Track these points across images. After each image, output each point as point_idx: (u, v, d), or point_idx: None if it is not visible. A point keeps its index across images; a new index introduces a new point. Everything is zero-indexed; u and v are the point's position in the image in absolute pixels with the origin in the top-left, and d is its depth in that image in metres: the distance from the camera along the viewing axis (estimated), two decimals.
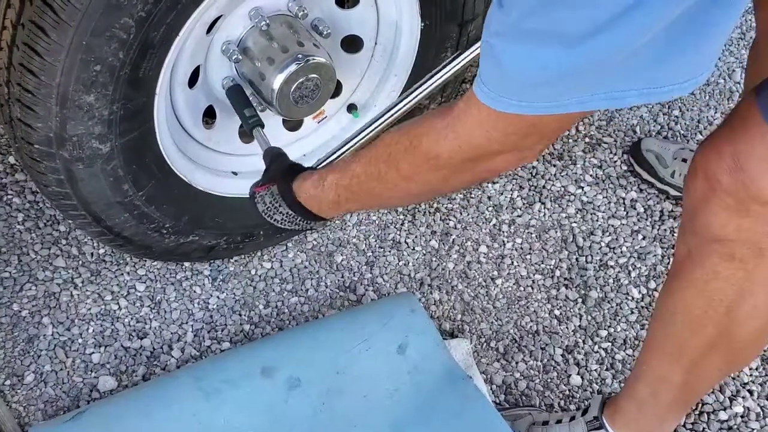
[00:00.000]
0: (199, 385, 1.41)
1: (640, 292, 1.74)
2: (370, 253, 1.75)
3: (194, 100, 1.44)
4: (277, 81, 1.37)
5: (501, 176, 1.90)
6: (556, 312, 1.70)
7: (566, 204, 1.87)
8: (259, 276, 1.69)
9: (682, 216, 1.10)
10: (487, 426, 1.42)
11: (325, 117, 1.65)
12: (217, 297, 1.64)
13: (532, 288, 1.73)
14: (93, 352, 1.53)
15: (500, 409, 1.49)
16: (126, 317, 1.58)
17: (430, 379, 1.48)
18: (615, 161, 1.97)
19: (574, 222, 1.85)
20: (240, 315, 1.63)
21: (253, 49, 1.38)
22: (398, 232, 1.79)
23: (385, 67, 1.60)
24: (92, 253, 1.65)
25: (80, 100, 1.17)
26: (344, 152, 1.34)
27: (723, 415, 1.57)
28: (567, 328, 1.68)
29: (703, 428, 1.55)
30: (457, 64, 1.41)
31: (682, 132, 2.06)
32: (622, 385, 1.50)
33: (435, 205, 1.83)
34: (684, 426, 1.54)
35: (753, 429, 1.56)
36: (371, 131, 1.35)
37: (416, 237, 1.78)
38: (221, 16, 1.34)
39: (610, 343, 1.66)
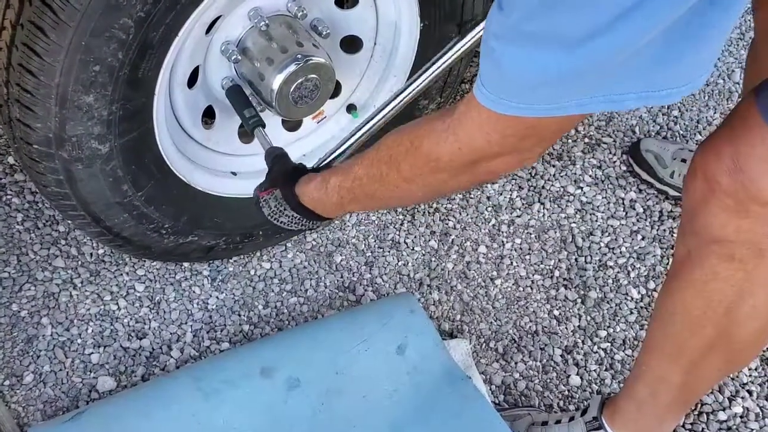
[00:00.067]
0: (199, 385, 1.41)
1: (639, 292, 1.75)
2: (370, 254, 1.75)
3: (193, 100, 1.44)
4: (277, 81, 1.37)
5: (500, 177, 1.90)
6: (556, 312, 1.70)
7: (565, 204, 1.88)
8: (259, 276, 1.69)
9: (681, 216, 1.10)
10: (486, 426, 1.42)
11: (325, 117, 1.65)
12: (217, 297, 1.64)
13: (532, 288, 1.73)
14: (92, 353, 1.53)
15: (499, 409, 1.49)
16: (125, 317, 1.58)
17: (430, 380, 1.48)
18: (614, 161, 1.97)
19: (574, 222, 1.85)
20: (239, 315, 1.63)
21: (252, 49, 1.38)
22: (397, 233, 1.79)
23: (384, 67, 1.60)
24: (91, 254, 1.65)
25: (79, 100, 1.17)
26: (345, 150, 1.34)
27: (722, 416, 1.57)
28: (566, 328, 1.68)
29: (702, 428, 1.55)
30: (453, 54, 1.37)
31: (681, 132, 2.06)
32: (622, 385, 1.50)
33: (434, 206, 1.83)
34: (683, 426, 1.54)
35: (752, 429, 1.56)
36: (371, 127, 1.34)
37: (415, 237, 1.78)
38: (220, 16, 1.34)
39: (609, 344, 1.66)
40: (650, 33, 0.70)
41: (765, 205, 0.98)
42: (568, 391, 1.59)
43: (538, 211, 1.85)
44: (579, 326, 1.69)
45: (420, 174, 1.01)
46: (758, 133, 0.95)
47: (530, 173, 1.92)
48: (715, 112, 2.11)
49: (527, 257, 1.78)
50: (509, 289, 1.73)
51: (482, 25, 1.14)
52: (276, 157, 1.33)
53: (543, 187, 1.89)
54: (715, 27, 0.74)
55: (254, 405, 1.40)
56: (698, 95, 2.14)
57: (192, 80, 1.41)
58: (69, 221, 1.57)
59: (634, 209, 1.88)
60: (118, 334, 1.56)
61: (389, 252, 1.76)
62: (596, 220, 1.85)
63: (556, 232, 1.83)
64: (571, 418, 1.39)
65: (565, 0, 0.70)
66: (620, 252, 1.81)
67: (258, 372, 1.44)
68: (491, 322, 1.67)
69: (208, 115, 1.51)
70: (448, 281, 1.72)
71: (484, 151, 0.91)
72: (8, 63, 1.15)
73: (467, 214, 1.83)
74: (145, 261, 1.65)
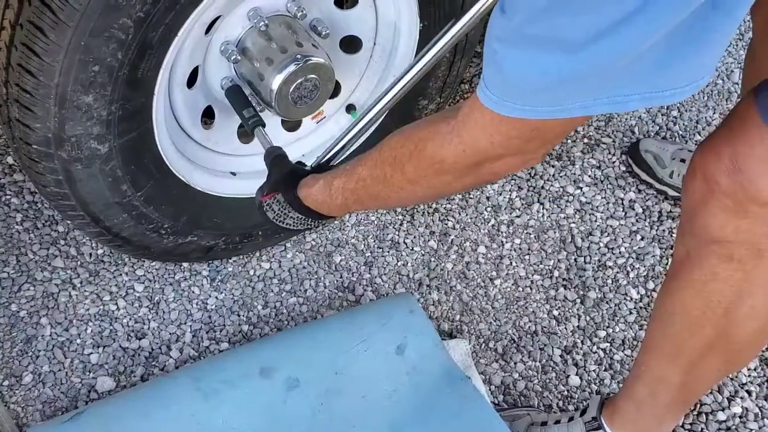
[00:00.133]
0: (198, 385, 1.41)
1: (638, 292, 1.75)
2: (369, 254, 1.75)
3: (193, 100, 1.44)
4: (276, 81, 1.37)
5: (503, 177, 1.89)
6: (555, 312, 1.70)
7: (565, 204, 1.88)
8: (258, 276, 1.69)
9: (680, 217, 1.10)
10: (485, 426, 1.42)
11: (324, 117, 1.65)
12: (216, 297, 1.64)
13: (531, 288, 1.74)
14: (91, 353, 1.53)
15: (499, 409, 1.49)
16: (124, 318, 1.58)
17: (429, 380, 1.48)
18: (613, 162, 1.97)
19: (573, 222, 1.85)
20: (238, 315, 1.63)
21: (251, 49, 1.38)
22: (397, 233, 1.79)
23: (383, 67, 1.60)
24: (91, 254, 1.65)
25: (79, 100, 1.17)
26: (344, 146, 1.32)
27: (721, 416, 1.57)
28: (565, 328, 1.68)
29: (702, 429, 1.55)
30: (445, 43, 1.31)
31: (680, 132, 2.06)
32: (621, 385, 1.50)
33: (434, 206, 1.83)
34: (682, 426, 1.55)
35: (751, 429, 1.56)
36: (368, 122, 1.31)
37: (415, 237, 1.78)
38: (220, 16, 1.34)
39: (608, 344, 1.67)
40: (652, 37, 0.70)
41: (764, 206, 0.98)
42: (568, 391, 1.59)
43: (538, 212, 1.86)
44: (578, 326, 1.69)
45: (425, 176, 1.01)
46: (757, 134, 0.95)
47: (529, 173, 1.92)
48: (714, 113, 2.11)
49: (526, 257, 1.78)
50: (508, 289, 1.73)
51: (472, 12, 1.13)
52: (274, 159, 1.33)
53: (542, 188, 1.90)
54: (718, 31, 0.74)
55: (253, 405, 1.40)
56: (697, 96, 2.15)
57: (191, 80, 1.41)
58: (68, 221, 1.57)
59: (634, 209, 1.88)
60: (117, 335, 1.56)
61: (389, 252, 1.76)
62: (595, 221, 1.86)
63: (555, 233, 1.83)
64: (571, 419, 1.39)
65: (567, 4, 0.70)
66: (619, 252, 1.81)
67: (257, 372, 1.44)
68: (490, 323, 1.67)
69: (208, 116, 1.51)
70: (448, 281, 1.72)
71: (488, 152, 0.91)
72: (7, 63, 1.15)
73: (466, 215, 1.83)
74: (144, 261, 1.65)
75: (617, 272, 1.78)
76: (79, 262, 1.63)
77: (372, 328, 1.51)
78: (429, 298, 1.69)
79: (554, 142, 0.93)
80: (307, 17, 1.42)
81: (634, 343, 1.66)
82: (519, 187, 1.89)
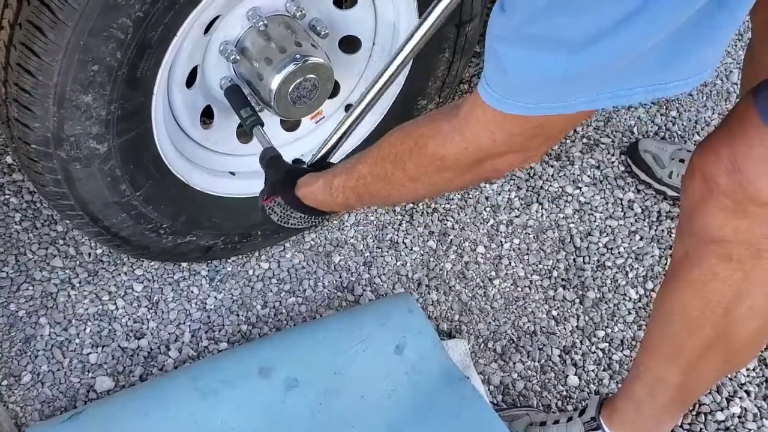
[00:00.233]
0: (197, 385, 1.41)
1: (637, 292, 1.75)
2: (368, 254, 1.75)
3: (192, 100, 1.44)
4: (275, 81, 1.37)
5: (504, 174, 1.90)
6: (554, 312, 1.70)
7: (564, 204, 1.88)
8: (257, 276, 1.69)
9: (679, 217, 1.10)
10: (484, 426, 1.42)
11: (323, 117, 1.65)
12: (215, 297, 1.64)
13: (530, 288, 1.74)
14: (90, 353, 1.53)
15: (498, 409, 1.49)
16: (123, 317, 1.58)
17: (428, 380, 1.48)
18: (612, 162, 1.97)
19: (572, 222, 1.85)
20: (237, 315, 1.63)
21: (250, 49, 1.38)
22: (396, 233, 1.79)
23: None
24: (89, 254, 1.65)
25: (78, 100, 1.17)
26: (338, 141, 1.30)
27: (720, 416, 1.57)
28: (564, 328, 1.68)
29: (701, 429, 1.55)
30: (431, 23, 1.25)
31: (679, 133, 2.06)
32: (620, 385, 1.50)
33: (433, 206, 1.83)
34: (681, 426, 1.55)
35: (750, 430, 1.57)
36: (360, 114, 1.29)
37: (414, 237, 1.78)
38: (219, 16, 1.34)
39: (607, 344, 1.67)
40: (653, 37, 0.70)
41: (763, 206, 0.98)
42: (566, 391, 1.59)
43: (537, 212, 1.86)
44: (577, 326, 1.69)
45: (426, 173, 1.01)
46: (756, 134, 0.95)
47: (528, 173, 1.92)
48: (713, 113, 2.11)
49: (525, 257, 1.78)
50: (507, 289, 1.73)
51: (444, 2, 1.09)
52: (269, 161, 1.33)
53: (541, 188, 1.90)
54: (723, 29, 0.73)
55: (252, 405, 1.40)
56: (696, 96, 2.15)
57: (190, 80, 1.41)
58: (67, 221, 1.57)
59: (633, 209, 1.89)
60: (116, 334, 1.56)
61: (388, 252, 1.76)
62: (594, 221, 1.86)
63: (554, 233, 1.83)
64: (569, 419, 1.39)
65: (567, 4, 0.70)
66: (618, 252, 1.81)
67: (256, 372, 1.44)
68: (489, 323, 1.67)
69: (207, 115, 1.51)
70: (447, 281, 1.72)
71: (490, 150, 0.91)
72: (6, 63, 1.15)
73: (466, 215, 1.83)
74: (143, 261, 1.65)
75: (616, 272, 1.78)
76: (78, 262, 1.63)
77: (371, 328, 1.51)
78: (428, 298, 1.69)
79: (558, 138, 0.93)
80: (306, 17, 1.42)
81: (633, 343, 1.67)
82: (518, 187, 1.89)
